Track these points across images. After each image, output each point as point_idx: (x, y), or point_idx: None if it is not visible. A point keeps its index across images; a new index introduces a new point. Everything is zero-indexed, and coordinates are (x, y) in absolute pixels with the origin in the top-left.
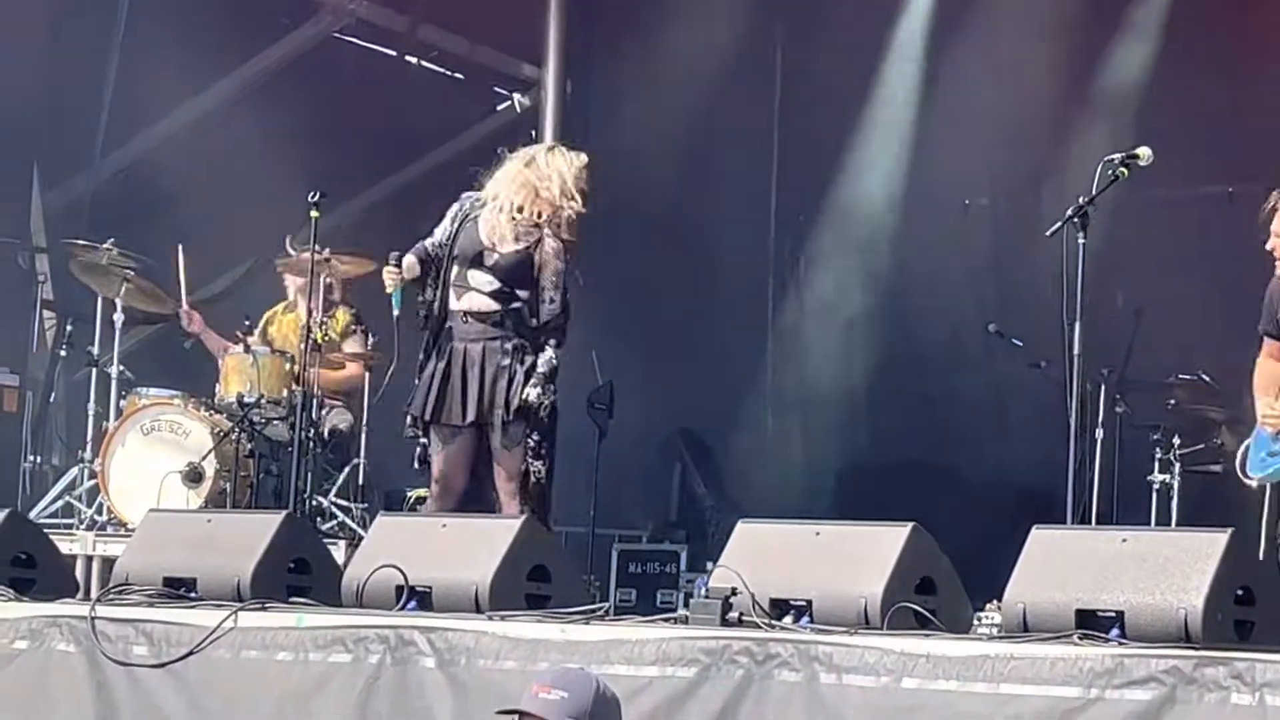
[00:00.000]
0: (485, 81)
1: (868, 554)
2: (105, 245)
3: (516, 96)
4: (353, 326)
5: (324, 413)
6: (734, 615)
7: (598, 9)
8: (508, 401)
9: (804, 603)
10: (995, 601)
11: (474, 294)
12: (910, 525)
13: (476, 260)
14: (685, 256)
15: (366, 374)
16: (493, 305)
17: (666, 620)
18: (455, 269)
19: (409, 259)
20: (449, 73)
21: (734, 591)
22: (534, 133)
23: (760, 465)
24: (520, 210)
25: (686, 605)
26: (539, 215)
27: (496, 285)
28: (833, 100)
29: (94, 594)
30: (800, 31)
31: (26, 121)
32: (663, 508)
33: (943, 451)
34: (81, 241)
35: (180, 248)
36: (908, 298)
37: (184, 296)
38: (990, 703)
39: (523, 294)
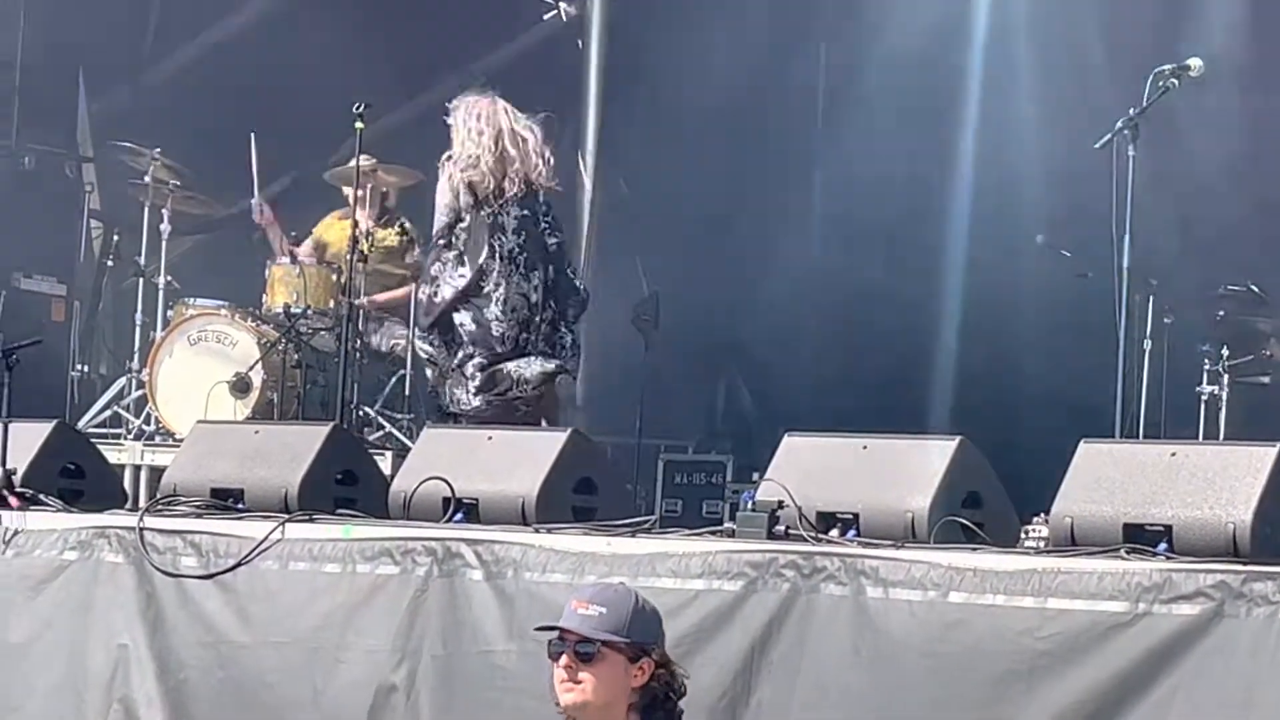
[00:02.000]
0: None
1: (915, 467)
2: (152, 152)
3: (562, 5)
4: (403, 243)
5: (375, 326)
6: (780, 528)
7: None
8: None
9: (851, 516)
10: (1042, 515)
11: None
12: (958, 439)
13: None
14: (731, 164)
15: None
16: None
17: (713, 533)
18: None
19: None
20: None
21: (780, 505)
22: (580, 42)
23: (806, 376)
24: None
25: (732, 516)
26: None
27: None
28: None
29: (142, 504)
30: None
31: (72, 31)
32: (708, 418)
33: (989, 364)
34: (128, 144)
35: (253, 138)
36: (954, 208)
37: (256, 189)
38: (1037, 617)
39: None
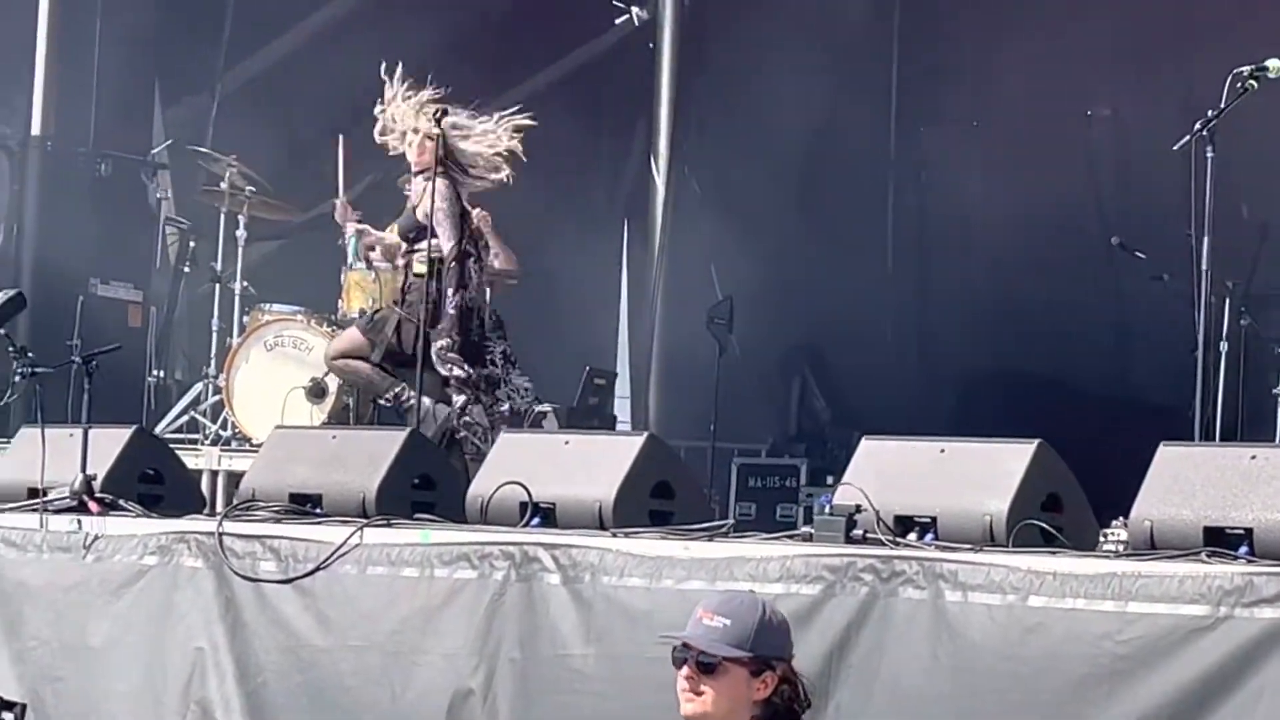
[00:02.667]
0: None
1: (993, 471)
2: (228, 159)
3: (634, 9)
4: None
5: None
6: (858, 532)
7: None
8: None
9: (928, 520)
10: (1121, 519)
11: None
12: (1036, 442)
13: None
14: (804, 166)
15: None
16: None
17: (790, 537)
18: None
19: None
20: None
21: (858, 508)
22: (651, 45)
23: (880, 379)
24: None
25: (807, 520)
26: None
27: None
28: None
29: (219, 509)
30: None
31: (149, 39)
32: (782, 422)
33: (1065, 366)
34: (204, 150)
35: (341, 139)
36: (1030, 210)
37: (341, 189)
38: (1117, 621)
39: None
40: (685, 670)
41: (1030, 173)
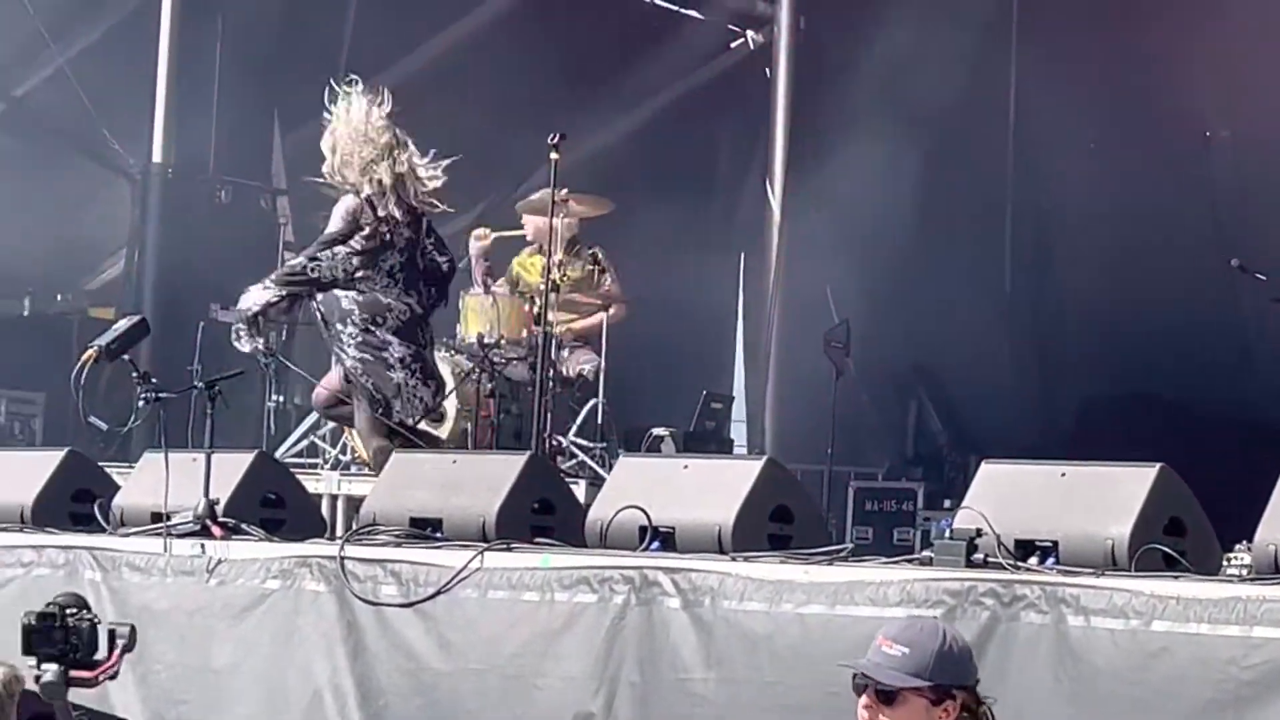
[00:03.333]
0: (719, 19)
1: (1114, 495)
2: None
3: (749, 33)
4: (593, 272)
5: (565, 354)
6: (979, 556)
7: None
8: None
9: (1050, 544)
10: (1245, 543)
11: None
12: (1158, 466)
13: None
14: (920, 188)
15: (605, 315)
16: None
17: (910, 561)
18: None
19: None
20: (682, 10)
21: (979, 532)
22: (767, 70)
23: (998, 402)
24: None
25: (924, 544)
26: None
27: None
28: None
29: (340, 533)
30: None
31: (267, 67)
32: (899, 445)
33: (1186, 389)
34: (323, 180)
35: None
36: (1149, 231)
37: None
38: (1242, 646)
39: None
40: (864, 699)
41: (1149, 194)
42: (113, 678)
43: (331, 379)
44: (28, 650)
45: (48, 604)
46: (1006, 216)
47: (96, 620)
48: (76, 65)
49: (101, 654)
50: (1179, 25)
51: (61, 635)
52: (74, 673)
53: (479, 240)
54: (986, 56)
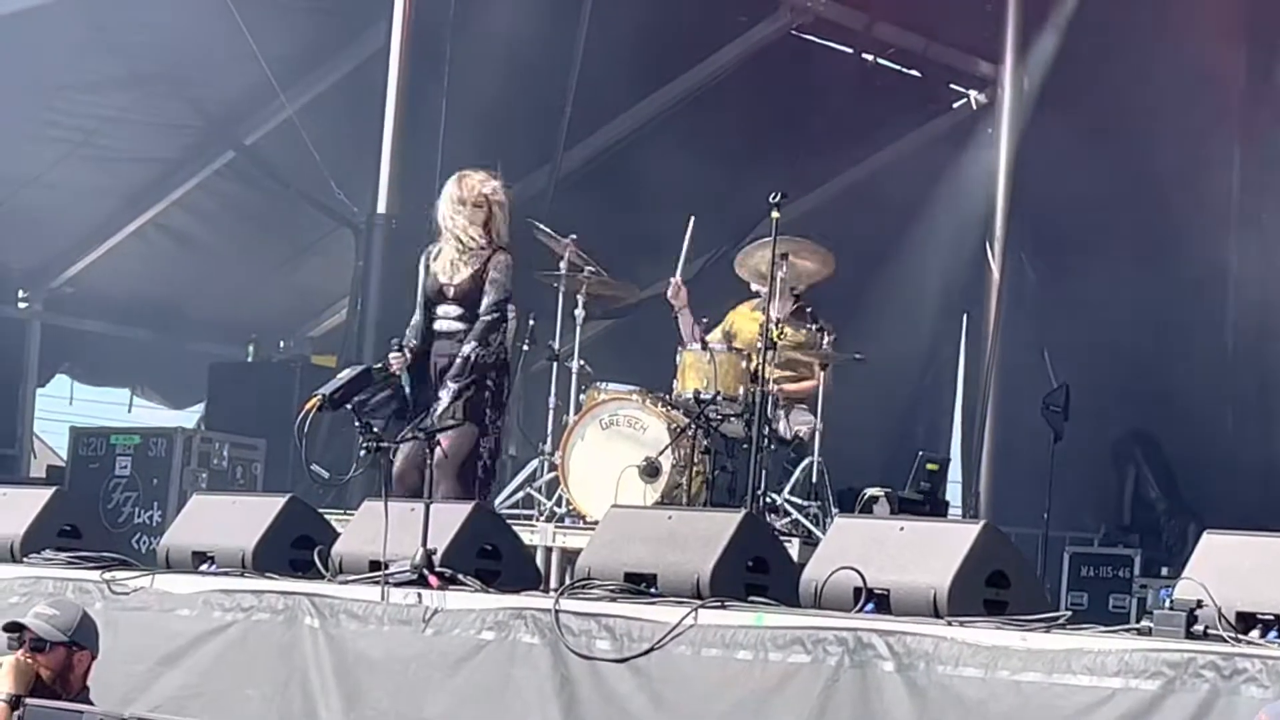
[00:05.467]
0: (941, 78)
1: None
2: (566, 240)
3: (973, 93)
4: (813, 334)
5: (782, 414)
6: (1199, 628)
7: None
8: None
9: (1272, 617)
10: None
11: (442, 321)
12: None
13: (439, 297)
14: (1139, 250)
15: (823, 376)
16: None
17: (1128, 630)
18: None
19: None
20: (905, 69)
21: (1199, 603)
22: (990, 130)
23: (1218, 470)
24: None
25: (1140, 611)
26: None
27: (459, 311)
28: None
29: (554, 585)
30: None
31: (492, 119)
32: (1115, 510)
33: None
34: (544, 228)
35: (692, 218)
36: None
37: (680, 267)
38: None
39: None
40: None
41: None
42: None
43: None
44: None
45: None
46: (1229, 280)
47: None
48: (305, 115)
49: None
50: None
51: None
52: None
53: (675, 298)
54: (1207, 123)
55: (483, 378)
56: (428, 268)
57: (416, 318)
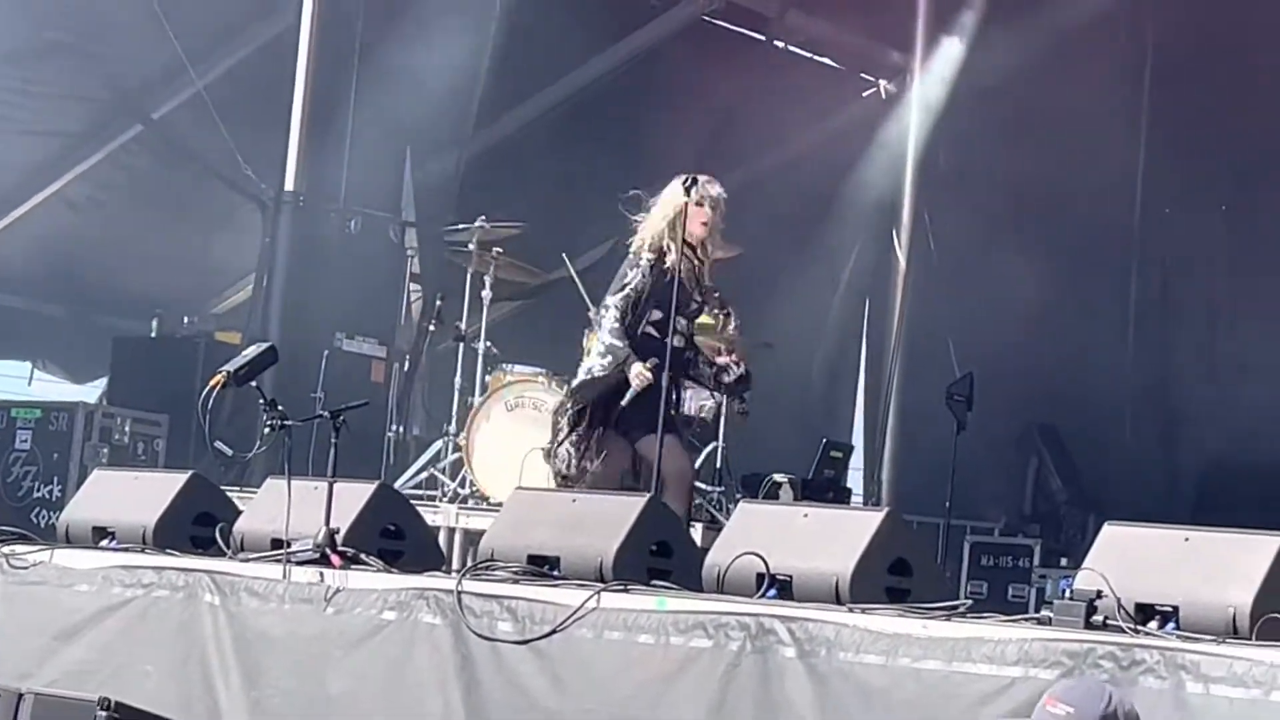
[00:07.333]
0: (853, 66)
1: (1238, 562)
2: (476, 223)
3: (883, 82)
4: (720, 318)
5: (686, 395)
6: (1098, 618)
7: None
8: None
9: (1170, 609)
10: None
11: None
12: None
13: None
14: (1046, 243)
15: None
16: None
17: (1029, 619)
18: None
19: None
20: (816, 57)
21: (1099, 594)
22: (900, 119)
23: (1118, 462)
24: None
25: (1039, 601)
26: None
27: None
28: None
29: (456, 566)
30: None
31: (401, 101)
32: (1017, 500)
33: None
34: (458, 226)
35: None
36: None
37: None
38: None
39: None
40: None
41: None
42: None
43: None
44: None
45: None
46: (1132, 274)
47: None
48: (214, 90)
49: None
50: None
51: None
52: None
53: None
54: (1116, 115)
55: None
56: None
57: None
